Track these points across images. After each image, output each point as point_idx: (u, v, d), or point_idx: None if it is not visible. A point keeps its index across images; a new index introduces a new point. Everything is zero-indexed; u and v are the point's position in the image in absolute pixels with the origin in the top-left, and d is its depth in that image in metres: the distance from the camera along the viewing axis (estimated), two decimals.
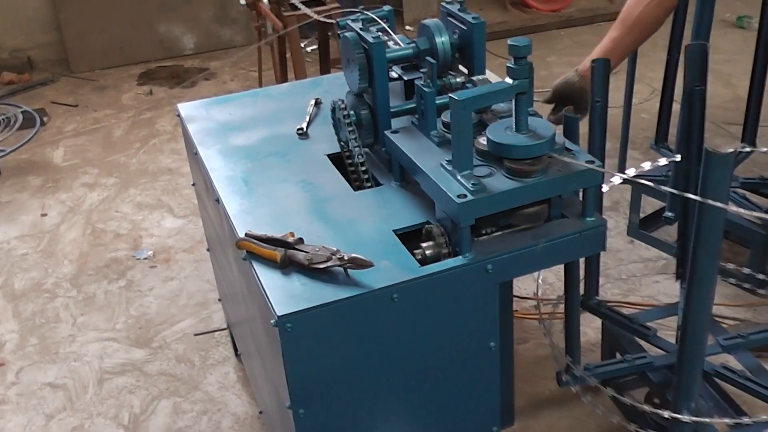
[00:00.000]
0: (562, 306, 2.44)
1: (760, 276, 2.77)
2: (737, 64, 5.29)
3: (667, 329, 2.73)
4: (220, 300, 3.16)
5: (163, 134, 5.12)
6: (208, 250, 3.01)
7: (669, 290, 3.30)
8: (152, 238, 4.00)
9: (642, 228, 3.63)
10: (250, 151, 2.38)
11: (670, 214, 2.99)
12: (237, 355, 3.14)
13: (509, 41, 1.79)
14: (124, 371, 3.15)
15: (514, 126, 1.86)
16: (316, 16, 4.07)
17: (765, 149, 2.28)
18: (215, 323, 3.36)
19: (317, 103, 2.59)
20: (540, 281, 2.52)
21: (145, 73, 6.13)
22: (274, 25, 4.25)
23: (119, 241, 4.01)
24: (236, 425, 2.86)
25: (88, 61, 6.21)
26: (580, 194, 1.93)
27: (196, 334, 3.31)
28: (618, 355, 2.68)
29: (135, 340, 3.31)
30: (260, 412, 2.74)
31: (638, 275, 3.45)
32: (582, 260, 2.39)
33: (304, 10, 4.04)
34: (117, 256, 3.88)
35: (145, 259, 3.84)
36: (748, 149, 2.59)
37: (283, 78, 4.71)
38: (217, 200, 2.18)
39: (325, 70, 4.83)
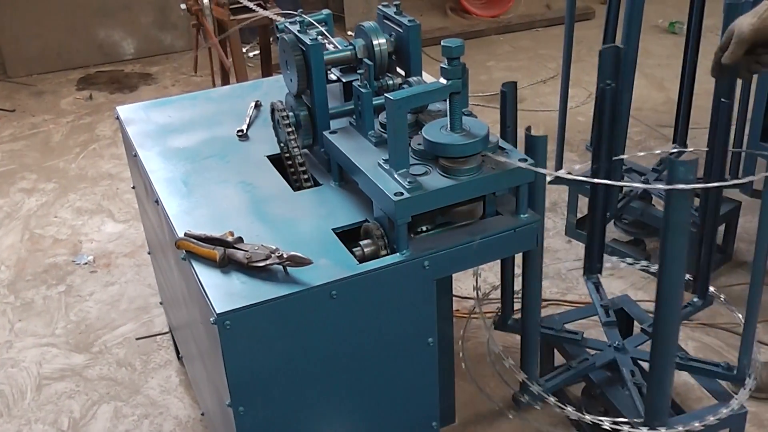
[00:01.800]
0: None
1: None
2: (669, 68, 5.44)
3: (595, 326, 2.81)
4: (161, 303, 3.15)
5: (103, 139, 5.07)
6: (149, 253, 3.00)
7: (606, 288, 3.37)
8: (92, 243, 3.97)
9: (579, 228, 3.72)
10: (189, 153, 2.38)
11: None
12: (179, 358, 3.13)
13: (442, 42, 1.83)
14: (63, 376, 3.12)
15: (448, 125, 1.90)
16: (261, 12, 4.07)
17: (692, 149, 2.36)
18: (157, 327, 3.34)
19: (257, 106, 2.60)
20: (479, 279, 2.56)
21: (84, 78, 6.06)
22: (207, 34, 4.25)
23: (58, 246, 3.96)
24: (178, 428, 2.85)
25: (25, 65, 6.12)
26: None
27: (137, 339, 3.29)
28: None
29: (75, 346, 3.28)
30: (202, 414, 2.75)
31: (576, 274, 3.52)
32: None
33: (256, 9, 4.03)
34: (56, 262, 3.83)
35: (85, 264, 3.80)
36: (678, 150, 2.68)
37: (224, 83, 4.71)
38: (157, 201, 2.19)
39: (267, 74, 4.85)
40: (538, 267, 2.18)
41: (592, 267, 2.72)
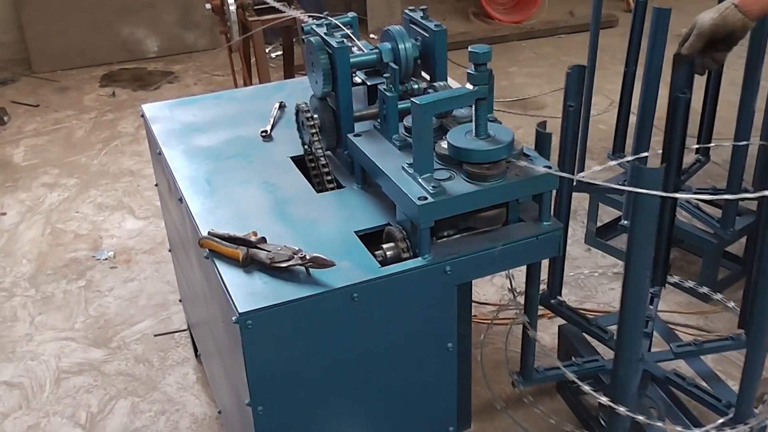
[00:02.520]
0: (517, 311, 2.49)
1: (703, 289, 2.85)
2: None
3: None
4: (180, 301, 3.17)
5: (125, 136, 5.11)
6: (169, 250, 3.02)
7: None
8: (113, 239, 3.99)
9: (599, 236, 3.72)
10: (213, 152, 2.40)
11: (625, 222, 3.05)
12: (197, 356, 3.14)
13: (470, 48, 1.84)
14: (81, 371, 3.14)
15: (474, 131, 1.90)
16: (287, 12, 4.08)
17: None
18: (175, 324, 3.36)
19: (281, 107, 2.62)
20: (509, 280, 2.57)
21: (107, 75, 6.10)
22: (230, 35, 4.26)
23: (79, 241, 3.99)
24: (194, 425, 2.87)
25: (50, 61, 6.17)
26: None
27: (155, 335, 3.31)
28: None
29: (93, 340, 3.31)
30: (219, 412, 2.76)
31: (594, 282, 3.52)
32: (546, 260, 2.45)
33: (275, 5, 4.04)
34: (77, 256, 3.86)
35: (105, 259, 3.83)
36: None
37: (248, 83, 4.73)
38: (180, 200, 2.20)
39: (289, 75, 4.87)
40: None
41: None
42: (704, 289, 2.86)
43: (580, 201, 3.98)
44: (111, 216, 4.21)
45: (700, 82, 2.44)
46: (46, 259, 3.86)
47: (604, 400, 2.20)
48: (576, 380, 2.39)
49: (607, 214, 3.75)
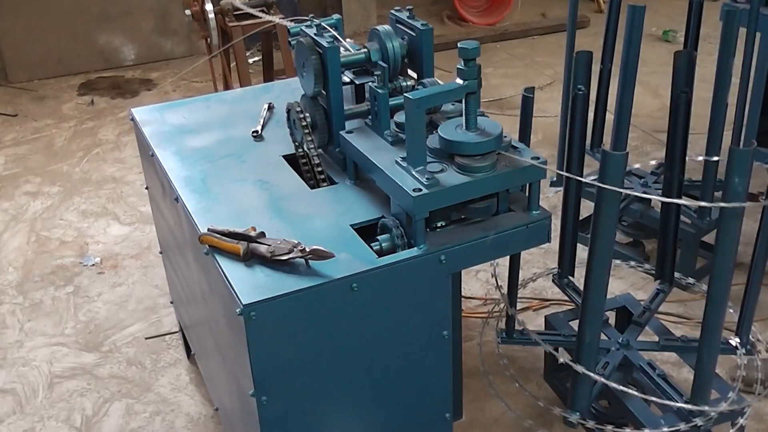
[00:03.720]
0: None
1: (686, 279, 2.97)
2: (664, 75, 5.51)
3: None
4: (172, 303, 3.20)
5: (106, 143, 5.12)
6: (160, 253, 3.05)
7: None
8: (99, 245, 4.02)
9: (579, 230, 3.78)
10: (206, 152, 2.45)
11: None
12: (189, 357, 3.18)
13: (459, 44, 1.91)
14: (74, 375, 3.17)
15: (464, 124, 1.97)
16: (268, 18, 4.13)
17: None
18: (165, 327, 3.39)
19: (270, 108, 2.67)
20: (494, 274, 2.65)
21: (85, 84, 6.11)
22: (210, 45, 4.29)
23: (65, 248, 4.01)
24: (190, 425, 2.90)
25: (27, 71, 6.17)
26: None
27: (146, 338, 3.34)
28: None
29: (84, 345, 3.33)
30: (216, 410, 2.80)
31: (576, 275, 3.58)
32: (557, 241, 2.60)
33: (253, 13, 4.09)
34: (63, 263, 3.88)
35: (92, 265, 3.85)
36: None
37: (229, 88, 4.76)
38: (176, 199, 2.24)
39: (268, 80, 4.90)
40: None
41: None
42: (690, 279, 2.97)
43: (560, 197, 4.05)
44: (96, 222, 4.23)
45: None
46: (33, 266, 3.87)
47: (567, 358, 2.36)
48: (540, 342, 2.54)
49: (586, 208, 3.83)
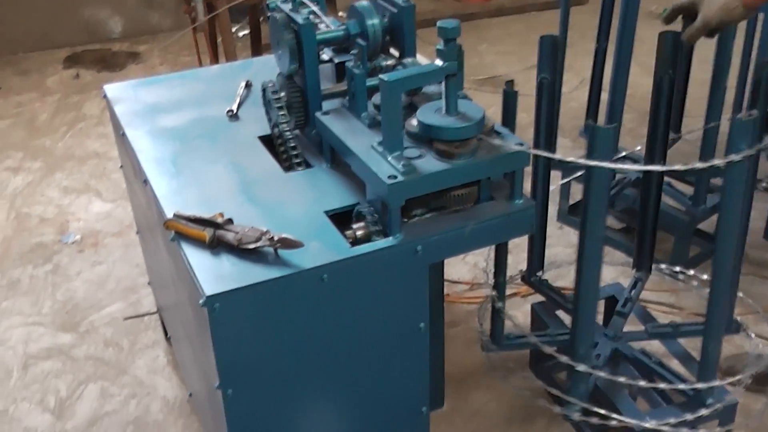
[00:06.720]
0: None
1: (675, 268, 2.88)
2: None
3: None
4: (149, 284, 3.12)
5: (90, 118, 5.02)
6: (137, 233, 2.98)
7: None
8: (80, 223, 3.93)
9: (571, 214, 3.71)
10: (178, 132, 2.35)
11: None
12: (167, 339, 3.10)
13: (438, 23, 1.81)
14: (50, 356, 3.09)
15: (443, 108, 1.88)
16: None
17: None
18: (144, 307, 3.31)
19: (248, 86, 2.57)
20: (485, 262, 2.58)
21: (70, 57, 5.98)
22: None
23: (45, 225, 3.92)
24: (165, 408, 2.83)
25: (9, 44, 6.02)
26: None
27: (125, 319, 3.27)
28: None
29: (61, 325, 3.25)
30: (190, 395, 2.73)
31: (567, 260, 3.51)
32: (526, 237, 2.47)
33: None
34: (43, 241, 3.79)
35: (73, 243, 3.76)
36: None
37: (214, 62, 4.66)
38: (145, 182, 2.15)
39: (256, 54, 4.81)
40: None
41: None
42: (676, 267, 2.87)
43: (552, 179, 3.97)
44: (77, 199, 4.14)
45: None
46: (11, 244, 3.79)
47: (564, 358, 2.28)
48: (536, 342, 2.45)
49: (579, 192, 3.74)
